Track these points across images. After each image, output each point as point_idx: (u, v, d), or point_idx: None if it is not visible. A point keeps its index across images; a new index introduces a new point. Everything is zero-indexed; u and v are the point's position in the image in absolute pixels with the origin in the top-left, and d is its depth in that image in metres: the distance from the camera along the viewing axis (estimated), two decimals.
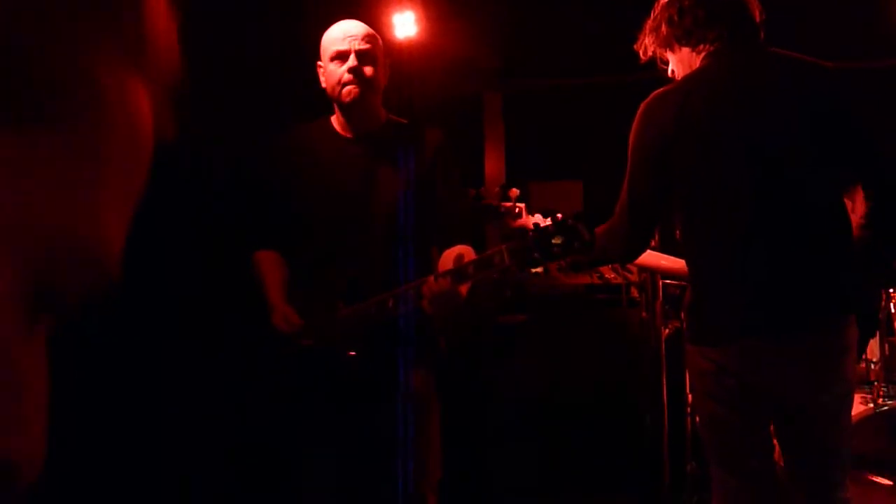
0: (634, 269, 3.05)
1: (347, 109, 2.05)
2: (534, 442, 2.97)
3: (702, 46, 1.83)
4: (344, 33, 2.03)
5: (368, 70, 2.02)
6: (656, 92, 1.84)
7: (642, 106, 1.84)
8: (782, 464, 1.83)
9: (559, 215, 1.74)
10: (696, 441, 2.73)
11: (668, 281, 2.98)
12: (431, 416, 2.05)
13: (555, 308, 3.05)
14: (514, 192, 2.01)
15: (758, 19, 1.83)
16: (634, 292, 3.03)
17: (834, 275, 1.71)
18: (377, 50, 2.05)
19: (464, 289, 1.89)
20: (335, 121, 2.12)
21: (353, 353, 1.93)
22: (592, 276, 3.05)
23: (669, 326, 3.02)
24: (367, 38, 2.03)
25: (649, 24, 1.93)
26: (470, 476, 3.01)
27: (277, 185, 2.11)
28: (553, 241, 1.72)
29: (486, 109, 4.24)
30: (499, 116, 4.21)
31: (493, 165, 4.12)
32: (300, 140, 2.13)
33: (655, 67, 2.84)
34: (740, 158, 1.71)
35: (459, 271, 1.84)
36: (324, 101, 2.11)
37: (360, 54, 2.01)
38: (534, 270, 3.13)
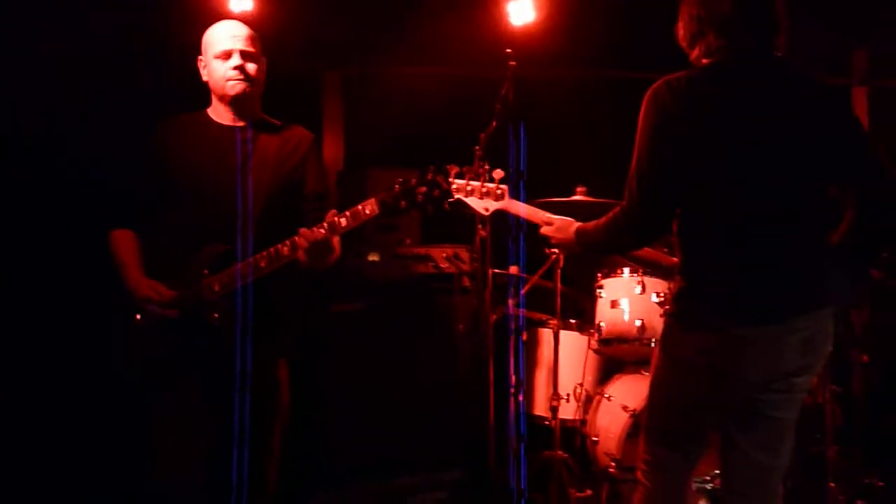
0: (466, 258, 3.19)
1: (230, 103, 2.25)
2: (366, 426, 3.04)
3: (722, 43, 1.88)
4: (229, 33, 2.23)
5: (251, 68, 2.22)
6: (667, 77, 1.88)
7: (651, 92, 1.88)
8: None
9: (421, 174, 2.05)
10: (523, 422, 2.95)
11: (496, 271, 3.16)
12: (282, 403, 2.25)
13: (390, 296, 3.11)
14: (499, 173, 2.22)
15: (781, 25, 1.91)
16: (466, 281, 3.17)
17: (827, 267, 1.85)
18: (258, 50, 2.26)
19: (336, 240, 2.13)
20: (212, 112, 2.30)
21: (217, 315, 2.09)
22: (427, 266, 3.15)
23: (497, 312, 3.20)
24: (251, 39, 2.24)
25: (681, 12, 1.98)
26: (304, 459, 3.02)
27: (149, 168, 2.24)
28: (417, 190, 2.04)
29: (326, 89, 4.13)
30: (338, 98, 4.12)
31: (331, 148, 4.05)
32: (178, 127, 2.29)
33: (495, 63, 2.93)
34: (744, 159, 1.81)
35: (332, 223, 2.07)
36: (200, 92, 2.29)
37: (244, 54, 2.21)
38: (370, 258, 3.17)
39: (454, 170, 2.23)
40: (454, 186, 2.20)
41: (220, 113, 2.29)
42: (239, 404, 2.09)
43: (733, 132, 1.83)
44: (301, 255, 2.07)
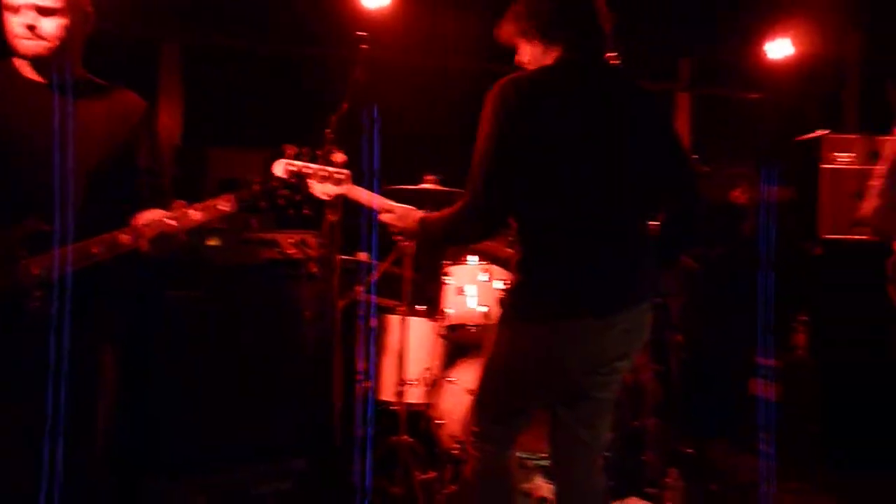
0: (314, 244, 3.13)
1: (30, 62, 1.95)
2: (207, 415, 2.91)
3: (553, 46, 1.96)
4: None
5: (49, 26, 1.89)
6: (511, 76, 1.92)
7: (496, 89, 1.91)
8: None
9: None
10: (370, 408, 2.95)
11: (344, 257, 3.13)
12: (106, 389, 2.06)
13: (234, 282, 2.99)
14: (340, 157, 2.12)
15: (606, 30, 2.00)
16: (313, 267, 3.11)
17: (645, 265, 2.00)
18: (67, 3, 1.90)
19: (183, 233, 1.98)
20: (18, 63, 1.97)
21: (38, 303, 1.89)
22: (273, 251, 3.06)
23: (345, 298, 3.18)
24: None
25: (511, 12, 2.01)
26: (141, 451, 2.85)
27: None
28: (279, 192, 1.97)
29: (163, 61, 3.89)
30: (177, 70, 3.88)
31: (168, 123, 3.82)
32: None
33: (341, 45, 2.86)
34: (575, 162, 1.91)
35: (184, 215, 1.94)
36: None
37: (41, 9, 1.89)
38: (210, 243, 3.02)
39: (292, 150, 2.12)
40: (294, 168, 2.10)
41: (26, 67, 1.97)
42: (52, 392, 1.90)
43: (567, 135, 1.94)
44: (144, 244, 1.91)
